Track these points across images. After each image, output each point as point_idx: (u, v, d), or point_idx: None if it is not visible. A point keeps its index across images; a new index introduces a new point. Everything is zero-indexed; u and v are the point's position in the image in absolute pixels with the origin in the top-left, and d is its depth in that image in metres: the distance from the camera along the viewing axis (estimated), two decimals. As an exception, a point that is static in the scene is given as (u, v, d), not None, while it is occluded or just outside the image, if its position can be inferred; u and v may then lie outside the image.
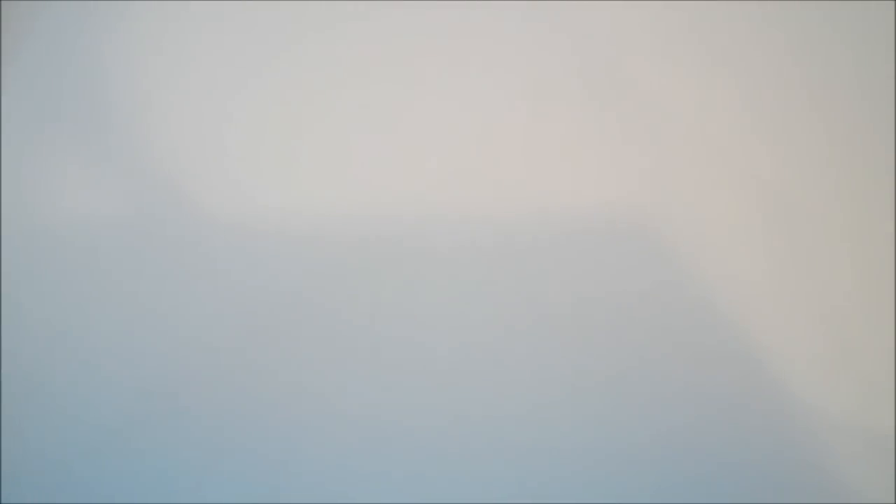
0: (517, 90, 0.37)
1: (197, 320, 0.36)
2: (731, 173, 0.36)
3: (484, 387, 0.36)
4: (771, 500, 0.35)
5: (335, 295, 0.36)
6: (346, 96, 0.37)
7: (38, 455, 0.36)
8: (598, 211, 0.36)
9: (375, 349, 0.36)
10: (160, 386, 0.36)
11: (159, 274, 0.37)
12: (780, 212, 0.36)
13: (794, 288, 0.36)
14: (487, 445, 0.36)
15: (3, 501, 0.36)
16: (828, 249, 0.36)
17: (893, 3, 0.36)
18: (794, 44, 0.37)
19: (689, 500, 0.35)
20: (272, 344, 0.36)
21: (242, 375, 0.36)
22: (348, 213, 0.36)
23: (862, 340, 0.35)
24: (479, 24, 0.37)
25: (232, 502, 0.36)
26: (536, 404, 0.36)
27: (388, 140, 0.37)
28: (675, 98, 0.36)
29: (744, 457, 0.35)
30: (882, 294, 0.35)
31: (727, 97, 0.36)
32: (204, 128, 0.37)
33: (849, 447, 0.35)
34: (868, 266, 0.36)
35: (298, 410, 0.36)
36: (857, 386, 0.35)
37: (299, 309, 0.36)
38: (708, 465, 0.35)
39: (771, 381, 0.35)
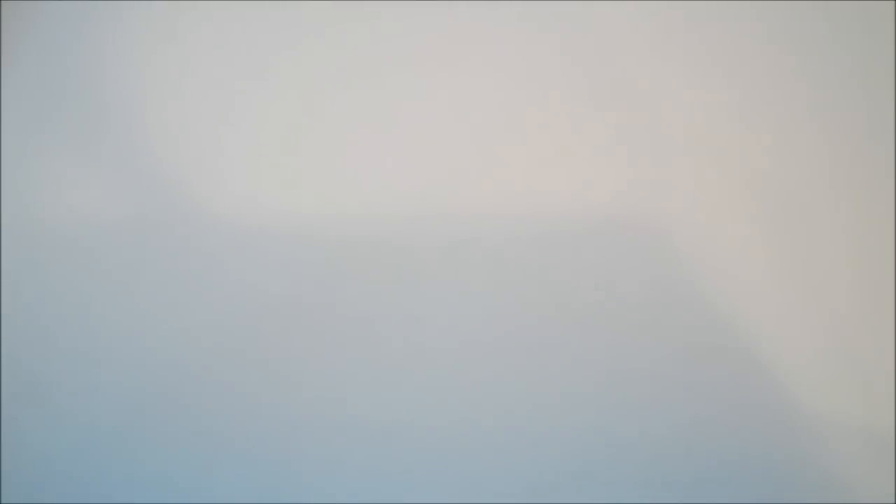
0: (516, 90, 0.37)
1: (196, 320, 0.36)
2: (730, 173, 0.36)
3: (484, 386, 0.36)
4: (771, 500, 0.35)
5: (335, 295, 0.36)
6: (346, 96, 0.37)
7: (38, 455, 0.36)
8: (599, 211, 0.36)
9: (376, 349, 0.36)
10: (160, 386, 0.36)
11: (159, 274, 0.37)
12: (780, 212, 0.36)
13: (794, 288, 0.36)
14: (487, 445, 0.36)
15: (3, 501, 0.36)
16: (828, 249, 0.36)
17: (893, 3, 0.36)
18: (793, 43, 0.37)
19: (689, 500, 0.35)
20: (272, 344, 0.36)
21: (242, 375, 0.36)
22: (348, 213, 0.36)
23: (862, 340, 0.35)
24: (478, 24, 0.37)
25: (232, 502, 0.36)
26: (535, 404, 0.36)
27: (388, 140, 0.37)
28: (674, 98, 0.36)
29: (744, 456, 0.35)
30: (882, 294, 0.35)
31: (727, 97, 0.36)
32: (204, 128, 0.37)
33: (849, 447, 0.35)
34: (868, 266, 0.36)
35: (298, 410, 0.36)
36: (857, 386, 0.35)
37: (299, 309, 0.36)
38: (708, 465, 0.35)
39: (771, 381, 0.35)
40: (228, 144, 0.37)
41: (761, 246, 0.36)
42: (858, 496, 0.35)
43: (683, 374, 0.36)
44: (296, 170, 0.37)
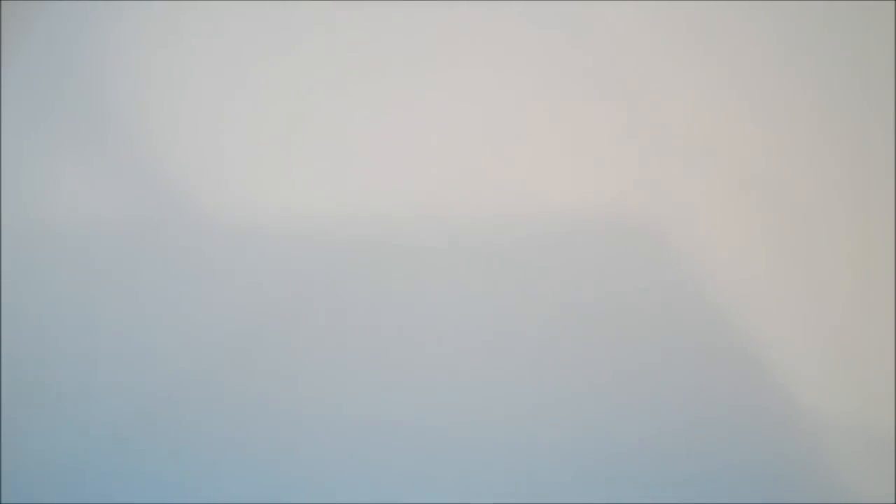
0: (517, 90, 0.37)
1: (196, 320, 0.36)
2: (731, 173, 0.36)
3: (485, 387, 0.36)
4: (771, 500, 0.35)
5: (336, 295, 0.36)
6: (347, 96, 0.37)
7: (38, 455, 0.36)
8: (599, 211, 0.36)
9: (377, 350, 0.36)
10: (160, 386, 0.36)
11: (159, 274, 0.37)
12: (780, 212, 0.36)
13: (793, 288, 0.36)
14: (487, 445, 0.36)
15: (3, 501, 0.36)
16: (828, 250, 0.36)
17: (893, 3, 0.36)
18: (793, 44, 0.37)
19: (689, 500, 0.35)
20: (273, 344, 0.36)
21: (242, 376, 0.36)
22: (349, 214, 0.36)
23: (862, 340, 0.35)
24: (479, 23, 0.37)
25: (232, 502, 0.36)
26: (536, 404, 0.36)
27: (388, 140, 0.37)
28: (675, 98, 0.36)
29: (744, 457, 0.35)
30: (882, 294, 0.35)
31: (727, 97, 0.36)
32: (204, 127, 0.37)
33: (849, 447, 0.35)
34: (868, 266, 0.36)
35: (298, 410, 0.36)
36: (857, 386, 0.35)
37: (300, 309, 0.36)
38: (708, 465, 0.35)
39: (771, 382, 0.35)
40: (228, 144, 0.37)
41: (762, 247, 0.36)
42: (858, 496, 0.35)
43: (684, 374, 0.36)
44: (296, 170, 0.37)
